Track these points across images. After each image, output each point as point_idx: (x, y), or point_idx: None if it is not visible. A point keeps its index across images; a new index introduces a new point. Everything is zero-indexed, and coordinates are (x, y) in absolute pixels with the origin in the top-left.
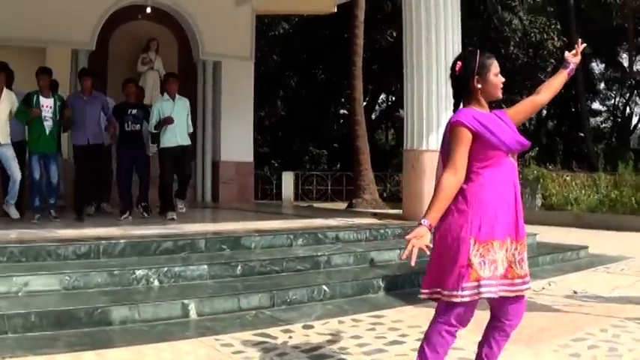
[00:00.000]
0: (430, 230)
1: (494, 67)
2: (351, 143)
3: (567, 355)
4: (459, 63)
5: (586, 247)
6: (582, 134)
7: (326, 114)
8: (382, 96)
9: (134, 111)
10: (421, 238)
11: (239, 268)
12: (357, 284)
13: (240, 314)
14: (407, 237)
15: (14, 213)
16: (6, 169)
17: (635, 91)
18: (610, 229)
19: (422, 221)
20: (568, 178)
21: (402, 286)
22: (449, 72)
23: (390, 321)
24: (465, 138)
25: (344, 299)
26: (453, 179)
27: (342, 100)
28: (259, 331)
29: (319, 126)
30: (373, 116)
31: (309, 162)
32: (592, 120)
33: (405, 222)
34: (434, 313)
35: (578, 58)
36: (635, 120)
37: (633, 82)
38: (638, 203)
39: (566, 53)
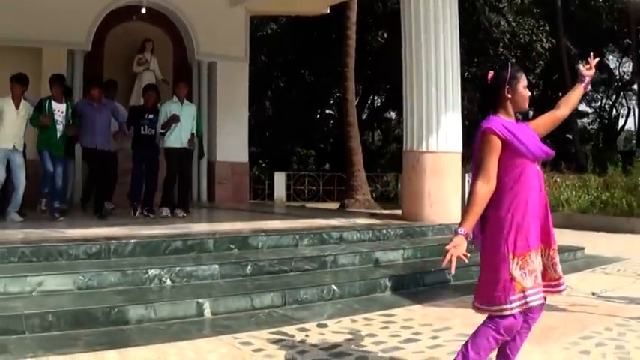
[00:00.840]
0: (466, 238)
1: (523, 79)
2: (343, 144)
3: (577, 352)
4: (491, 73)
5: (582, 248)
6: (570, 136)
7: (314, 115)
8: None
9: (151, 116)
10: (459, 247)
11: (249, 267)
12: (365, 284)
13: (253, 313)
14: (446, 247)
15: (18, 218)
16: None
17: (622, 93)
18: (601, 231)
19: (459, 230)
20: (559, 180)
21: (408, 286)
22: (443, 71)
23: (402, 319)
24: (496, 146)
25: (353, 298)
26: (486, 188)
27: (331, 101)
28: (275, 329)
29: (307, 126)
30: (363, 117)
31: (297, 162)
32: (579, 122)
33: (406, 222)
34: (486, 317)
35: (592, 71)
36: (621, 122)
37: (619, 83)
38: (629, 205)
39: (581, 67)
